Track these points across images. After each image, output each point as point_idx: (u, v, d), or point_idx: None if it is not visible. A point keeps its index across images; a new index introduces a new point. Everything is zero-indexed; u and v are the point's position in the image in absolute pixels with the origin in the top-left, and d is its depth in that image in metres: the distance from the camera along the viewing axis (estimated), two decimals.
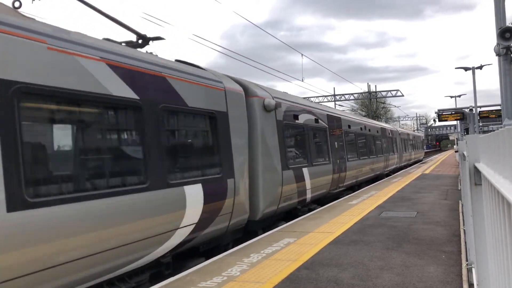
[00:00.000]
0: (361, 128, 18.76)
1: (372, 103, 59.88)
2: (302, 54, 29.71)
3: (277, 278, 5.34)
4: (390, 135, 25.89)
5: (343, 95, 53.47)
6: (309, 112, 12.62)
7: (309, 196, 11.56)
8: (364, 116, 52.07)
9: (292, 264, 5.97)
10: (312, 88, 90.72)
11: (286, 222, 9.83)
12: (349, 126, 16.80)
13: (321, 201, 13.14)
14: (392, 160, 25.63)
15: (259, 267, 5.89)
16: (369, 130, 20.28)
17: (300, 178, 10.85)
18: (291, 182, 10.23)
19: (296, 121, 11.35)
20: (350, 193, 15.37)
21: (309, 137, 12.09)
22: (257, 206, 8.88)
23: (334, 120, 15.08)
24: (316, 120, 13.01)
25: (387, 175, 24.51)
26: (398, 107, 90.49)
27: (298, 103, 11.98)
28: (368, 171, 19.28)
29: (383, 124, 27.31)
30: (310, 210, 11.67)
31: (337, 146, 14.74)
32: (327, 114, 14.45)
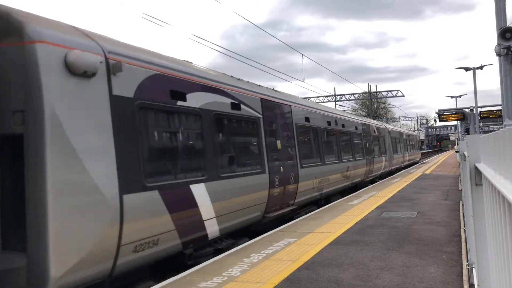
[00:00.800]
0: (329, 123, 14.34)
1: (372, 104, 59.88)
2: (302, 55, 29.75)
3: (278, 279, 5.34)
4: (377, 133, 21.85)
5: (343, 95, 53.49)
6: (216, 90, 7.84)
7: (214, 229, 7.32)
8: (365, 116, 51.93)
9: (292, 264, 5.96)
10: (312, 88, 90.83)
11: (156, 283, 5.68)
12: (306, 119, 12.32)
13: (252, 230, 9.15)
14: (379, 164, 21.39)
15: (259, 267, 5.88)
16: (343, 125, 15.96)
17: (184, 203, 6.51)
18: (154, 214, 5.84)
19: (179, 102, 6.72)
20: (313, 209, 11.71)
21: (212, 132, 7.53)
22: (43, 272, 4.48)
23: (275, 109, 10.45)
24: (236, 106, 8.45)
25: (372, 181, 20.43)
26: (398, 107, 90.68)
27: (184, 71, 7.07)
28: (340, 180, 14.78)
29: (367, 120, 22.75)
30: (219, 251, 7.40)
31: (281, 146, 10.36)
32: (262, 99, 9.74)
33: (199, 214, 6.90)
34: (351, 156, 16.37)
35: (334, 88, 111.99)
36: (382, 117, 74.85)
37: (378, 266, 5.71)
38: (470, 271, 4.94)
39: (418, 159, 41.48)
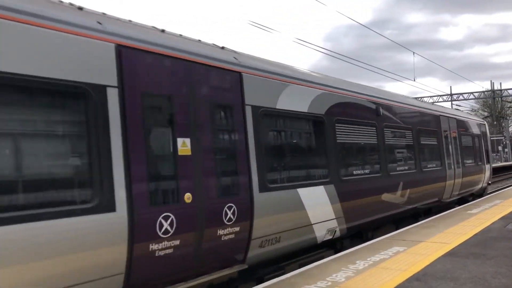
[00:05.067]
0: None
1: (496, 103, 54.12)
2: (414, 52, 28.17)
3: None
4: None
5: (461, 94, 49.36)
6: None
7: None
8: (486, 117, 47.06)
9: (401, 274, 5.63)
10: (424, 87, 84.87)
11: None
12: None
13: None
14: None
15: (365, 274, 5.66)
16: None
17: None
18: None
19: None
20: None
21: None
22: None
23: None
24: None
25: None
26: None
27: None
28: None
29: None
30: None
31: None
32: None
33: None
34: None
35: (450, 87, 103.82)
36: (508, 118, 67.33)
37: (503, 283, 5.11)
38: None
39: (483, 183, 16.96)
